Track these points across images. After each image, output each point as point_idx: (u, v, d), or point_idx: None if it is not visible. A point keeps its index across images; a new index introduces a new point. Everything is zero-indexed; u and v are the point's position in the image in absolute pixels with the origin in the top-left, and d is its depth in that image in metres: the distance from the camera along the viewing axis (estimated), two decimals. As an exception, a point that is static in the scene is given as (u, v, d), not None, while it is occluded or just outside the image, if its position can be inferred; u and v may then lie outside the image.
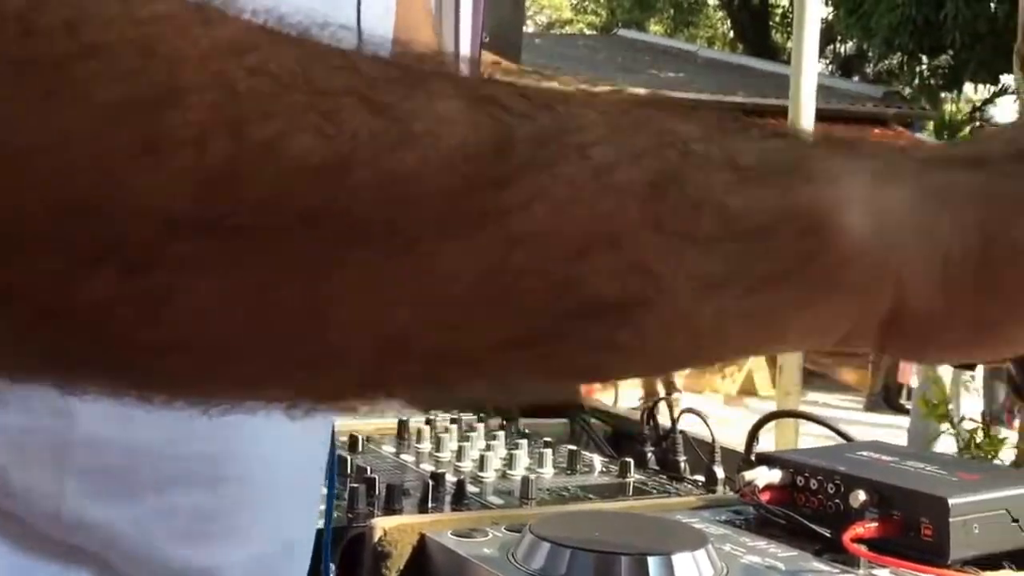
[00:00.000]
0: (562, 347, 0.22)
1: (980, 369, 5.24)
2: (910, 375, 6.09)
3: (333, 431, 0.63)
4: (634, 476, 0.96)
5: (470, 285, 0.21)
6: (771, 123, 0.25)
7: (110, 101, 0.18)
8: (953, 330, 0.25)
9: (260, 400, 0.22)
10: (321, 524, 0.70)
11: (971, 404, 5.16)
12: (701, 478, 1.00)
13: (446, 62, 0.22)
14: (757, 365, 6.80)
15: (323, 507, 0.71)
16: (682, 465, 1.04)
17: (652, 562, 0.61)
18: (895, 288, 0.24)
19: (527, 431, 1.10)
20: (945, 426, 2.92)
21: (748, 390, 6.59)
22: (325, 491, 0.71)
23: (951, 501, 0.65)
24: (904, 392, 5.96)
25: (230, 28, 0.20)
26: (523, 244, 0.21)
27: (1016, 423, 4.27)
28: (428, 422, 1.09)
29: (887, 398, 6.43)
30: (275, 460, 0.48)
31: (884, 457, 0.76)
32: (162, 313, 0.20)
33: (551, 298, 0.21)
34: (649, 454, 1.07)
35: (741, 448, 0.96)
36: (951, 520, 0.64)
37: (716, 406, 5.37)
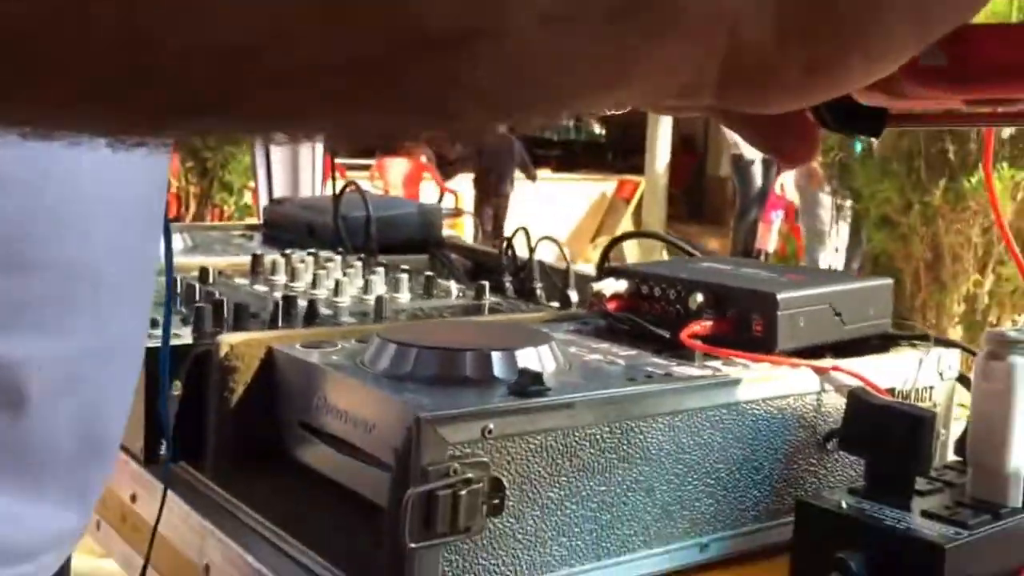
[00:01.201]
0: (403, 78, 0.22)
1: (844, 231, 5.54)
2: (767, 241, 6.38)
3: (168, 232, 0.60)
4: (489, 299, 0.97)
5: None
6: None
7: None
8: (788, 68, 0.25)
9: (80, 122, 0.21)
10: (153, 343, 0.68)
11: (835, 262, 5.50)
12: (556, 304, 1.02)
13: None
14: (629, 244, 6.98)
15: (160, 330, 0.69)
16: (538, 292, 1.06)
17: (495, 355, 0.62)
18: (732, 27, 0.24)
19: (385, 263, 1.09)
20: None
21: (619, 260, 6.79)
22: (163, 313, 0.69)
23: (779, 296, 0.68)
24: (763, 257, 6.24)
25: None
26: None
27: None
28: (284, 256, 1.07)
29: (747, 262, 6.74)
30: (90, 251, 0.46)
31: (723, 266, 0.79)
32: None
33: (386, 22, 0.21)
34: (507, 284, 1.09)
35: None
36: (779, 314, 0.68)
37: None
